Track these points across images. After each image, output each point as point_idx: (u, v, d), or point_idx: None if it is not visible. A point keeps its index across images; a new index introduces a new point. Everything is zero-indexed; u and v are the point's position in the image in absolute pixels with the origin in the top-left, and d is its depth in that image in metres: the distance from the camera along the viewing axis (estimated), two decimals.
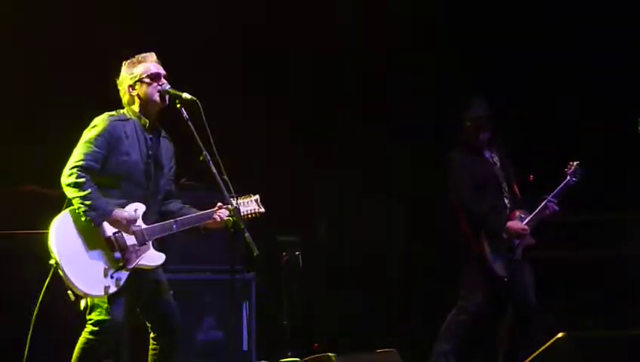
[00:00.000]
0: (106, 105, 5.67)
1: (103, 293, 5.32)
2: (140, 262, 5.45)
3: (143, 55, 5.64)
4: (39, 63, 7.75)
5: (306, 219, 8.63)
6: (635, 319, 7.76)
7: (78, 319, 5.48)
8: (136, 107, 5.60)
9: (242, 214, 5.59)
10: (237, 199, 5.58)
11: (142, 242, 5.46)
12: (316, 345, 7.65)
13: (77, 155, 5.42)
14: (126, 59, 5.66)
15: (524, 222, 7.00)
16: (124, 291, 5.40)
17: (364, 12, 8.57)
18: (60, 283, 5.32)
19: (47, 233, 5.33)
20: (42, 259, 5.39)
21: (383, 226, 8.66)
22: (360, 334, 8.18)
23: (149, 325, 5.62)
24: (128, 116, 5.58)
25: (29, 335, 5.64)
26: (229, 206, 5.50)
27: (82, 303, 5.38)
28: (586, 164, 7.11)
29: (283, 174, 8.26)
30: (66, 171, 5.40)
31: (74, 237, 5.35)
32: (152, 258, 5.51)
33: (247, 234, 5.32)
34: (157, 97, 5.54)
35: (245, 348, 7.20)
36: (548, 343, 6.38)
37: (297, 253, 7.44)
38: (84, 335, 5.43)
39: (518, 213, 7.04)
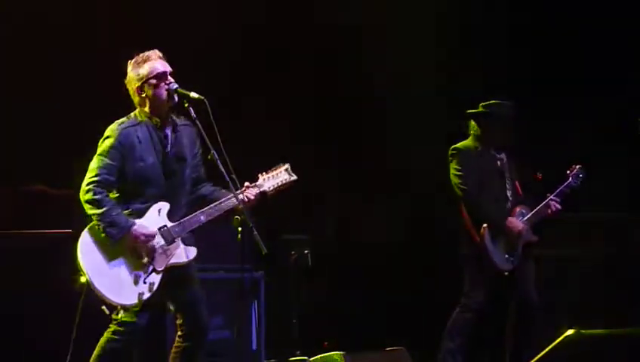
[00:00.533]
0: None
1: (137, 301, 5.36)
2: (170, 261, 5.47)
3: (147, 53, 5.59)
4: None
5: (315, 217, 8.64)
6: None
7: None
8: (146, 108, 5.58)
9: (274, 187, 5.62)
10: (265, 173, 5.62)
11: (170, 241, 5.47)
12: (326, 343, 7.63)
13: (92, 170, 5.44)
14: (130, 59, 5.63)
15: (525, 218, 7.01)
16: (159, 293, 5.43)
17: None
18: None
19: (56, 233, 5.38)
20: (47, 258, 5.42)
21: (388, 224, 8.66)
22: (369, 332, 8.16)
23: (178, 322, 5.62)
24: (140, 119, 5.56)
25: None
26: (243, 192, 5.49)
27: (119, 313, 5.41)
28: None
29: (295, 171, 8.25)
30: (83, 187, 5.42)
31: (99, 251, 5.38)
32: (183, 254, 5.53)
33: (255, 233, 5.31)
34: (165, 97, 5.52)
35: (254, 346, 7.20)
36: (557, 340, 6.36)
37: (306, 251, 7.44)
38: (107, 335, 5.46)
39: (519, 209, 7.06)
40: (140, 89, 5.55)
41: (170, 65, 5.59)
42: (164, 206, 5.50)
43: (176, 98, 5.52)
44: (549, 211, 7.06)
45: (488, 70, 8.54)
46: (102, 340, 5.45)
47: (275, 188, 5.66)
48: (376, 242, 8.65)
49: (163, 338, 6.65)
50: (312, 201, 8.53)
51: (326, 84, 8.80)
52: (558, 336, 6.39)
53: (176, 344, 5.63)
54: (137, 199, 5.49)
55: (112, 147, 5.44)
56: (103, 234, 5.35)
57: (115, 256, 5.38)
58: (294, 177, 5.74)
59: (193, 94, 5.50)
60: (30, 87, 7.68)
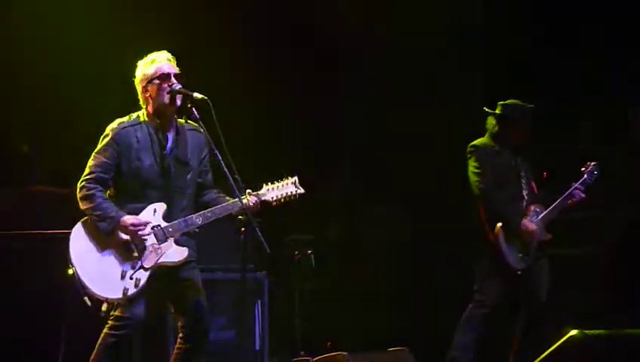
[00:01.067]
0: None
1: (121, 295, 5.35)
2: (160, 260, 5.46)
3: (155, 54, 5.65)
4: None
5: (319, 218, 8.64)
6: None
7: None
8: (150, 108, 5.60)
9: (277, 198, 5.63)
10: (270, 183, 5.63)
11: (162, 240, 5.47)
12: (329, 343, 7.63)
13: (87, 168, 5.49)
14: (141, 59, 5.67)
15: (539, 217, 7.00)
16: (146, 291, 5.42)
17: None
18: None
19: (58, 233, 5.39)
20: (56, 259, 5.42)
21: (392, 225, 8.67)
22: (372, 333, 8.17)
23: (179, 325, 5.62)
24: (141, 119, 5.58)
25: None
26: (246, 197, 5.50)
27: (103, 307, 5.41)
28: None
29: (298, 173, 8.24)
30: (78, 184, 5.47)
31: (90, 244, 5.40)
32: (174, 254, 5.51)
33: (259, 233, 5.32)
34: (167, 99, 5.53)
35: (257, 347, 7.19)
36: (560, 341, 6.36)
37: (309, 252, 7.44)
38: (105, 331, 5.46)
39: (533, 208, 7.08)
40: (145, 89, 5.59)
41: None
42: (161, 206, 5.51)
43: (179, 101, 5.54)
44: (571, 202, 7.08)
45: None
46: (101, 337, 5.46)
47: (279, 200, 5.67)
48: (378, 242, 8.66)
49: (165, 340, 6.66)
50: (317, 202, 8.54)
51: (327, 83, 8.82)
52: (561, 336, 6.42)
53: (177, 345, 5.62)
54: (133, 199, 5.50)
55: (108, 145, 5.49)
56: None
57: (104, 248, 5.39)
58: (301, 190, 5.74)
59: (196, 94, 5.50)
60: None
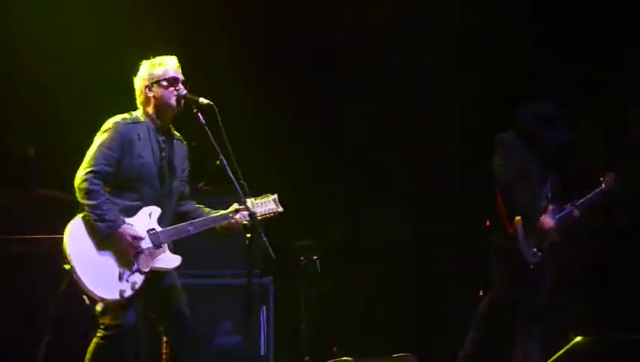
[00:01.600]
0: None
1: (118, 297, 5.32)
2: (154, 265, 5.45)
3: (165, 58, 5.63)
4: None
5: (324, 223, 8.64)
6: None
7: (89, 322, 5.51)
8: (150, 108, 5.59)
9: (261, 214, 5.61)
10: (254, 199, 5.60)
11: (157, 245, 5.45)
12: (335, 348, 7.62)
13: (91, 160, 5.41)
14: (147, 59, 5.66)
15: (558, 216, 7.00)
16: (139, 295, 5.40)
17: None
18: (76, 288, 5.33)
19: (63, 237, 5.34)
20: (59, 263, 5.39)
21: (397, 229, 8.67)
22: (377, 338, 8.17)
23: (161, 329, 5.60)
24: (141, 119, 5.57)
25: (45, 339, 5.65)
26: (247, 207, 5.49)
27: (98, 307, 5.39)
28: None
29: (301, 178, 8.25)
30: (79, 174, 5.39)
31: (88, 241, 5.35)
32: (168, 260, 5.51)
33: (264, 239, 5.30)
34: (173, 101, 5.53)
35: (263, 352, 7.19)
36: (565, 347, 6.38)
37: (315, 257, 7.43)
38: (96, 340, 5.43)
39: (551, 207, 7.05)
40: (149, 88, 5.56)
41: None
42: (156, 210, 5.50)
43: (183, 105, 5.54)
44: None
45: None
46: (91, 345, 5.43)
47: (262, 215, 5.65)
48: (383, 246, 8.66)
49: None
50: (323, 206, 8.55)
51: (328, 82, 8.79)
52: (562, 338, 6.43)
53: (165, 349, 5.59)
54: (130, 196, 5.47)
55: (113, 138, 5.44)
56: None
57: (103, 247, 5.35)
58: (280, 209, 5.75)
59: (202, 100, 5.51)
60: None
